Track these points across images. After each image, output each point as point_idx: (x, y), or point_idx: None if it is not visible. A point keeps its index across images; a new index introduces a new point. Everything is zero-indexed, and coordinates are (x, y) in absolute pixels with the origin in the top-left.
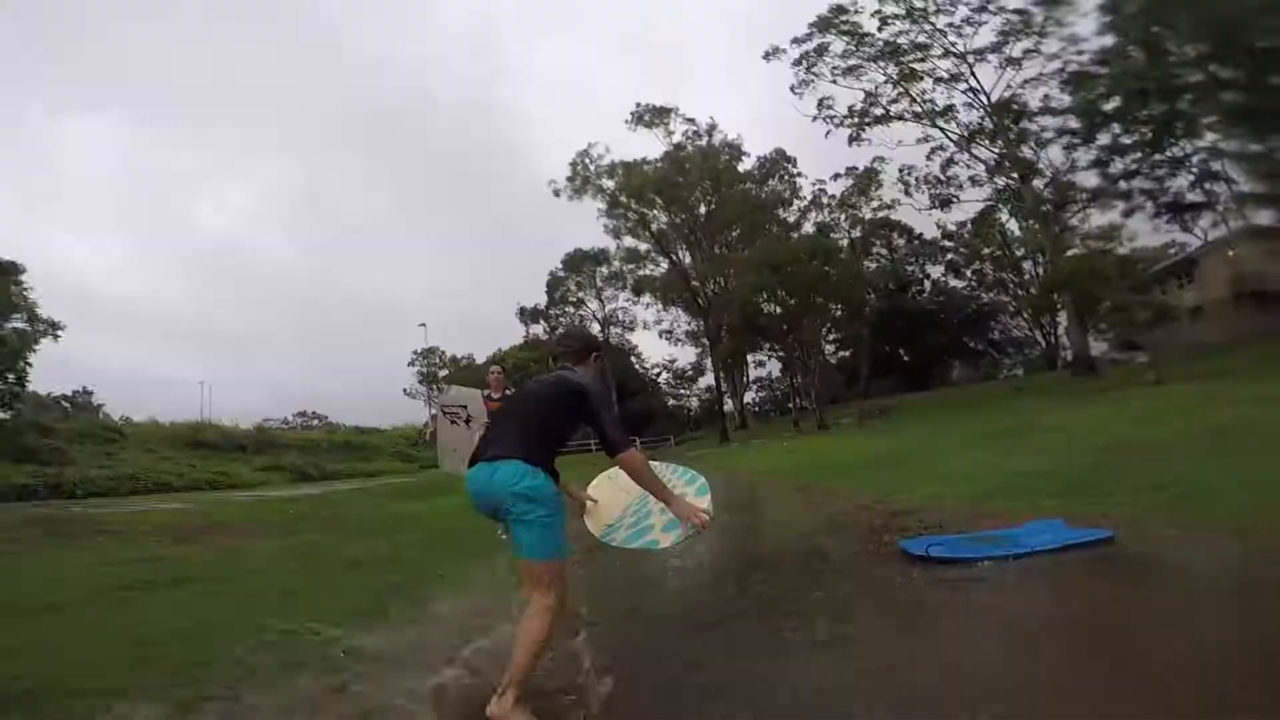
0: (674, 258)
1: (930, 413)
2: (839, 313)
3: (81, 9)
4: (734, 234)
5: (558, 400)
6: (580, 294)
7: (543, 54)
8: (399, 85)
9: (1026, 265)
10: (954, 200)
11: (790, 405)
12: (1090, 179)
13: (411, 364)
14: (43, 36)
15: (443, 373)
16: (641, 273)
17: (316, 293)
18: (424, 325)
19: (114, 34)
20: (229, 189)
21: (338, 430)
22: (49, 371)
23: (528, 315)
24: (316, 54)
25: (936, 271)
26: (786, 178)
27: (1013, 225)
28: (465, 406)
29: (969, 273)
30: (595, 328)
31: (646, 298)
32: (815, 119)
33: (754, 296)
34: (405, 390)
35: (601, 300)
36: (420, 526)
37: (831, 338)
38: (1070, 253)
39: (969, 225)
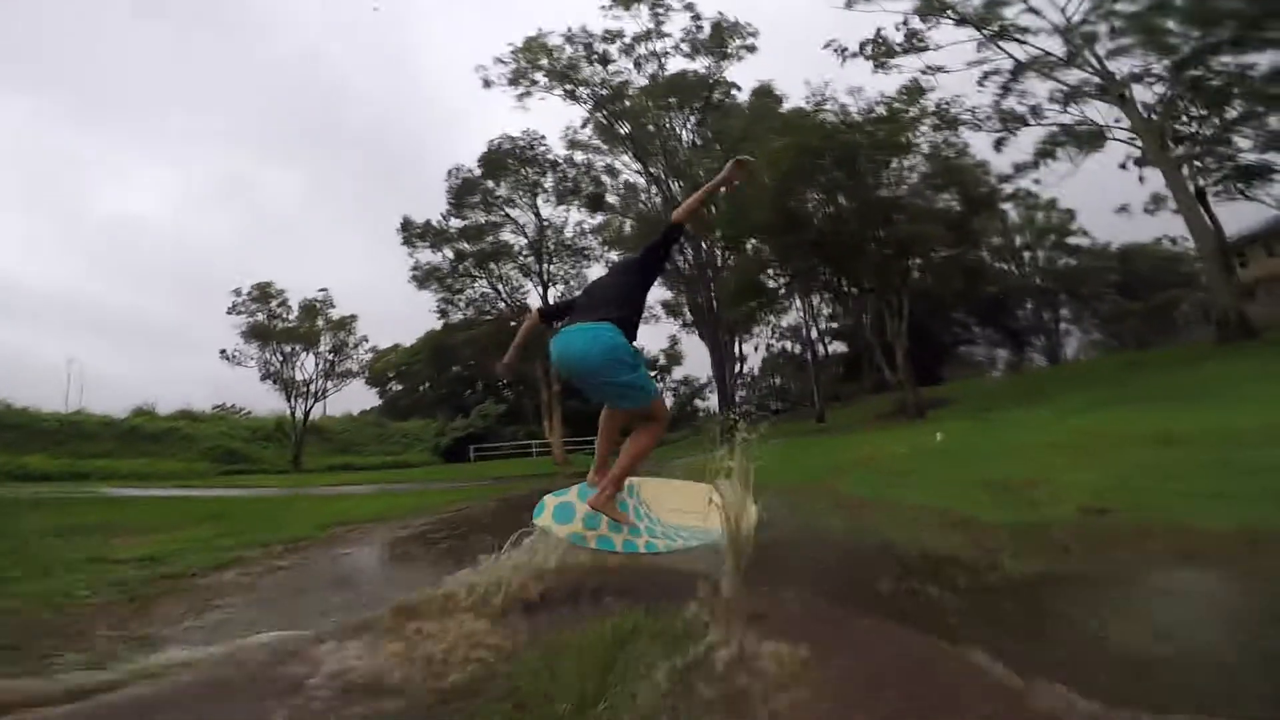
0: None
1: (1044, 395)
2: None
3: None
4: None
5: (637, 262)
6: (504, 204)
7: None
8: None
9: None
10: (1022, 126)
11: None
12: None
13: (233, 311)
14: None
15: (279, 325)
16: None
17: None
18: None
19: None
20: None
21: (151, 417)
22: None
23: (416, 234)
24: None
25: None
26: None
27: (1012, 212)
28: None
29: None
30: (522, 242)
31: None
32: (827, 46)
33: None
34: (223, 353)
35: (537, 212)
36: None
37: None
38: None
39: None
